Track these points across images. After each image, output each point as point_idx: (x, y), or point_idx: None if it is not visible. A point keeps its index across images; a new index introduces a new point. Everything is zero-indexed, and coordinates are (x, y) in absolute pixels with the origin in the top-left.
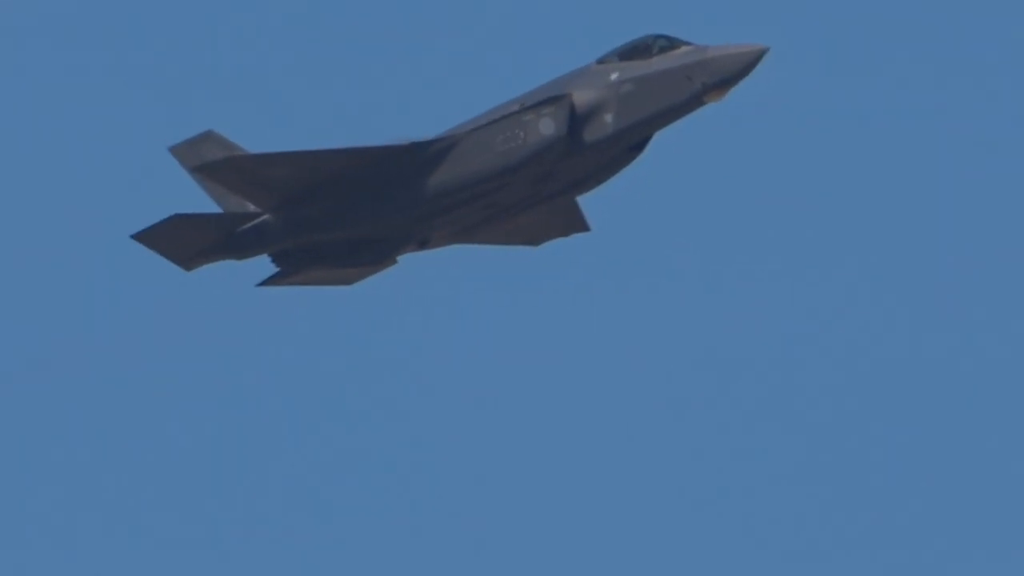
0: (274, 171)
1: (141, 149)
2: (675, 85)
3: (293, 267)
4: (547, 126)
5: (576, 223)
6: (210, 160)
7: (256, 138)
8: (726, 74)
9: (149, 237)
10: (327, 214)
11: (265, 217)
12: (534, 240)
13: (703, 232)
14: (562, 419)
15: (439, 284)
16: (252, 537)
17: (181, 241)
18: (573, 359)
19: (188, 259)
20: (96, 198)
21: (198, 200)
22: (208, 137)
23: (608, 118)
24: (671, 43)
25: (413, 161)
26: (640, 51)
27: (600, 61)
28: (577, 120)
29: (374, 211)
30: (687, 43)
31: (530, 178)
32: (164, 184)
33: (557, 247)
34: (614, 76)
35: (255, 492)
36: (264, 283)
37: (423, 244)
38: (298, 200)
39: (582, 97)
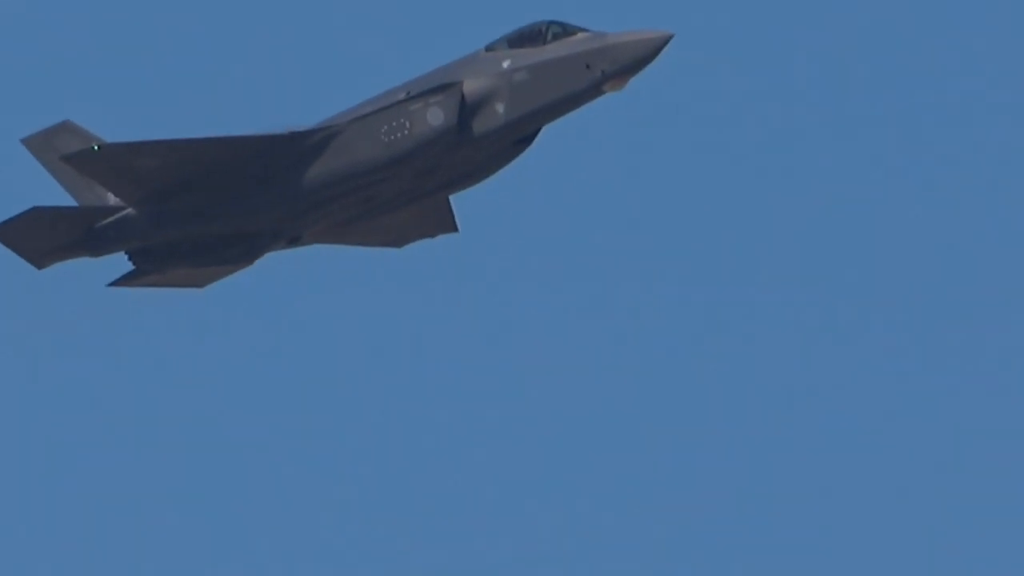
0: (146, 161)
1: None
2: (573, 73)
3: (151, 265)
4: (435, 116)
5: (445, 223)
6: (79, 149)
7: (114, 130)
8: (628, 61)
9: (4, 231)
10: (197, 208)
11: (128, 211)
12: (399, 241)
13: (573, 233)
14: (421, 421)
15: (296, 285)
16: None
17: (37, 236)
18: (431, 360)
19: (42, 256)
20: None
21: (48, 194)
22: (65, 127)
23: (500, 108)
24: (565, 30)
25: (293, 151)
26: (532, 38)
27: (489, 48)
28: (467, 110)
29: (249, 205)
30: (583, 29)
31: (414, 171)
32: (11, 178)
33: (422, 248)
34: (506, 64)
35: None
36: (116, 283)
37: (293, 242)
38: (167, 193)
39: (472, 85)
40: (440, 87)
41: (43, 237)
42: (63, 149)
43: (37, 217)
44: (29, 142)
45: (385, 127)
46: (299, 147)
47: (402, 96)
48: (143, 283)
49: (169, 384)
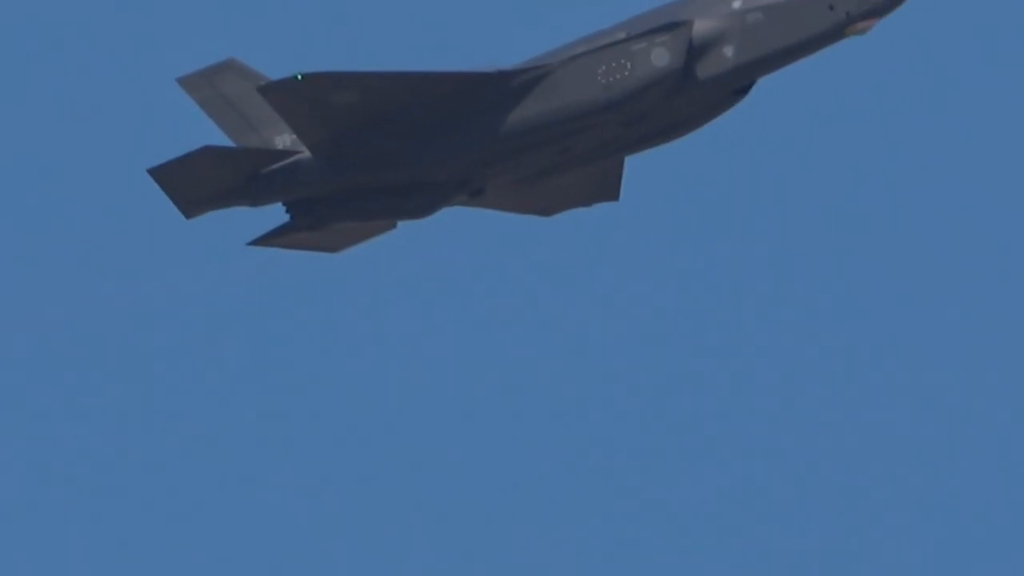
0: (346, 95)
1: (140, 80)
2: (814, 14)
3: (312, 218)
4: (660, 57)
5: (608, 190)
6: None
7: (276, 70)
8: (876, 3)
9: (168, 172)
10: (384, 152)
11: (302, 155)
12: (549, 209)
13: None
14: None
15: (436, 252)
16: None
17: (198, 180)
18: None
19: (196, 203)
20: (94, 131)
21: (198, 138)
22: (229, 66)
23: (728, 51)
24: None
25: (498, 91)
26: None
27: None
28: (693, 52)
29: (441, 148)
30: None
31: (625, 118)
32: (162, 118)
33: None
34: (737, 3)
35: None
36: (258, 241)
37: (475, 194)
38: (355, 134)
39: (703, 26)
40: (667, 26)
41: (204, 181)
42: (225, 89)
43: (207, 157)
44: (187, 81)
45: (603, 67)
46: (505, 87)
47: (622, 36)
48: (285, 243)
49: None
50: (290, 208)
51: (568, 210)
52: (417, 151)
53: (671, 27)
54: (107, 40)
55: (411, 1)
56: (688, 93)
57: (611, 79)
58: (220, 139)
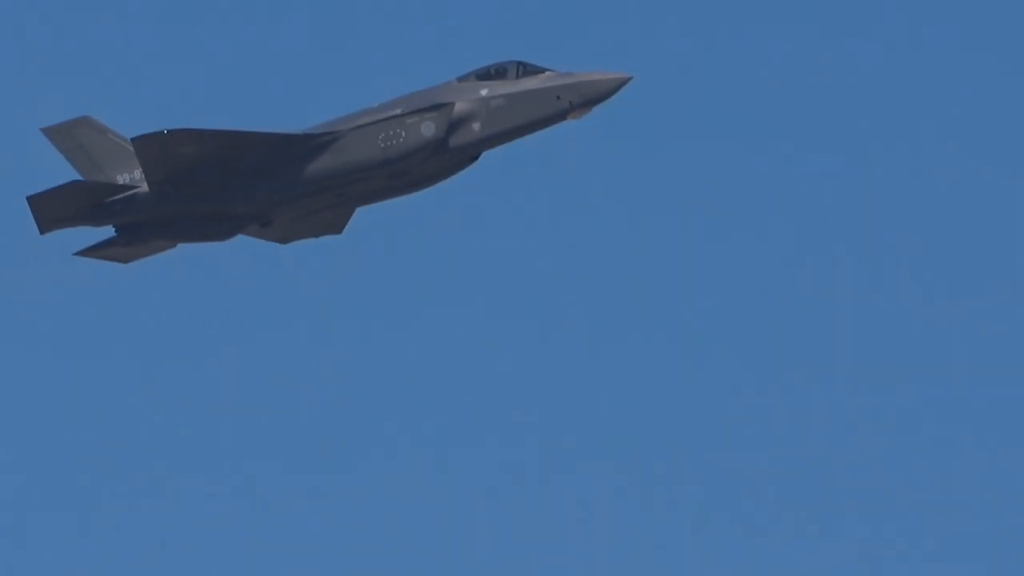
0: (192, 147)
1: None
2: (544, 102)
3: (135, 236)
4: (428, 128)
5: (336, 225)
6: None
7: (126, 125)
8: (593, 95)
9: (40, 200)
10: (205, 191)
11: (140, 190)
12: (288, 238)
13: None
14: None
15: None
16: None
17: (59, 205)
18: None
19: (51, 222)
20: None
21: (54, 174)
22: (85, 122)
23: (476, 126)
24: (530, 68)
25: (303, 149)
26: (501, 73)
27: (461, 79)
28: (451, 126)
29: (252, 190)
30: (547, 68)
31: (391, 173)
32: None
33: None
34: (484, 91)
35: None
36: (81, 252)
37: (265, 225)
38: (186, 175)
39: (461, 107)
40: (436, 106)
41: (63, 206)
42: (82, 140)
43: (74, 189)
44: (49, 131)
45: (383, 134)
46: (308, 145)
47: (398, 111)
48: (104, 255)
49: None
50: (120, 227)
51: (302, 239)
52: (229, 192)
53: (438, 107)
54: None
55: (219, 64)
56: (440, 157)
57: (388, 143)
58: (69, 174)
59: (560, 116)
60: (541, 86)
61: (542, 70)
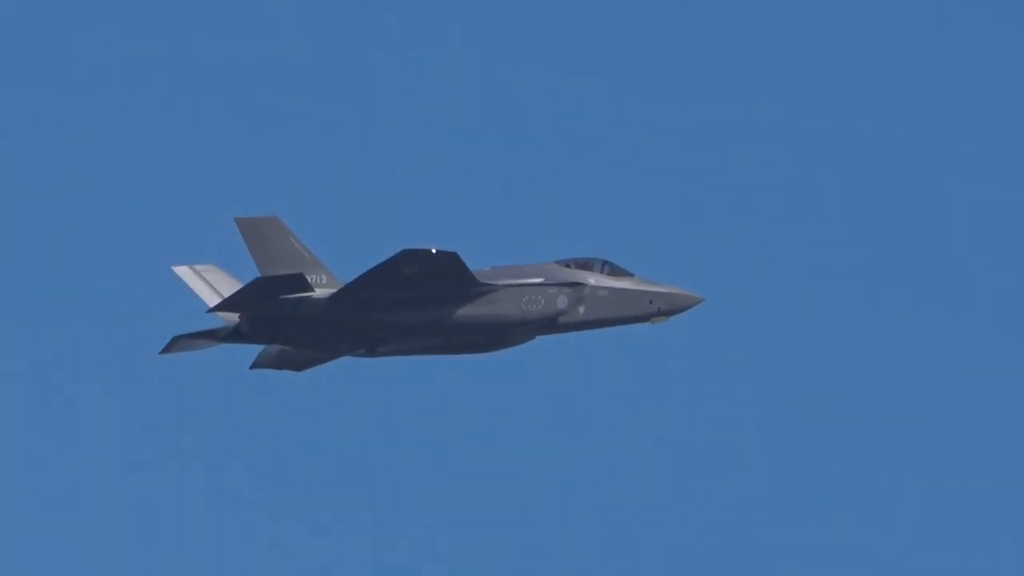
0: (417, 268)
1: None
2: (639, 303)
3: (271, 336)
4: (562, 302)
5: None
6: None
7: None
8: (676, 307)
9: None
10: (381, 306)
11: (317, 294)
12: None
13: None
14: None
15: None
16: None
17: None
18: None
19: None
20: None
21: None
22: (272, 221)
23: (581, 311)
24: (615, 267)
25: (469, 292)
26: (588, 266)
27: (563, 263)
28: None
29: (417, 315)
30: (631, 272)
31: (504, 332)
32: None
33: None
34: (592, 280)
35: None
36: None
37: (371, 353)
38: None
39: (587, 291)
40: (572, 284)
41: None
42: (265, 234)
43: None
44: (241, 221)
45: (527, 297)
46: (472, 291)
47: (541, 280)
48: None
49: None
50: (256, 323)
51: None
52: (401, 312)
53: (574, 285)
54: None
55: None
56: (540, 330)
57: (527, 307)
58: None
59: (645, 318)
60: (638, 288)
61: (626, 273)
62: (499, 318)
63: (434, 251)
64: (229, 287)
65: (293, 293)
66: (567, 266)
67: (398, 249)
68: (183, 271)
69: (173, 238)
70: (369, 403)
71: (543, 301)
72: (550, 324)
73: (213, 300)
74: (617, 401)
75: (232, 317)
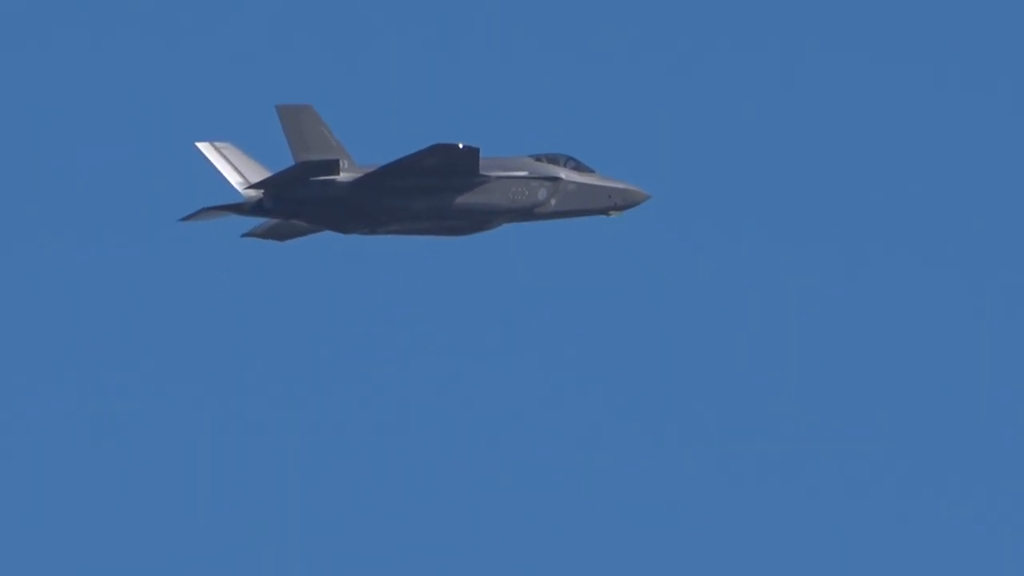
0: (440, 159)
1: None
2: (600, 197)
3: (291, 212)
4: (542, 194)
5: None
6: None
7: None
8: (630, 203)
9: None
10: (399, 191)
11: (341, 178)
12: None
13: None
14: None
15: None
16: None
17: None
18: None
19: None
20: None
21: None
22: (307, 109)
23: (553, 202)
24: (579, 163)
25: (470, 181)
26: (555, 161)
27: (536, 157)
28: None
29: (427, 200)
30: (591, 168)
31: (483, 220)
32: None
33: None
34: (562, 175)
35: None
36: (247, 234)
37: (373, 231)
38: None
39: (561, 184)
40: (551, 178)
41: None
42: (302, 124)
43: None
44: (281, 109)
45: (514, 188)
46: (473, 180)
47: (525, 173)
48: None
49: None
50: (280, 200)
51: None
52: (414, 198)
53: (553, 179)
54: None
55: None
56: (516, 218)
57: (514, 197)
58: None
59: (604, 211)
60: (601, 183)
61: (591, 170)
62: (490, 206)
63: (461, 146)
64: (244, 163)
65: (324, 176)
66: (539, 160)
67: (397, 141)
68: (205, 147)
69: (196, 116)
70: (342, 277)
71: (527, 192)
72: (527, 213)
73: (231, 175)
74: (575, 287)
75: (252, 192)
